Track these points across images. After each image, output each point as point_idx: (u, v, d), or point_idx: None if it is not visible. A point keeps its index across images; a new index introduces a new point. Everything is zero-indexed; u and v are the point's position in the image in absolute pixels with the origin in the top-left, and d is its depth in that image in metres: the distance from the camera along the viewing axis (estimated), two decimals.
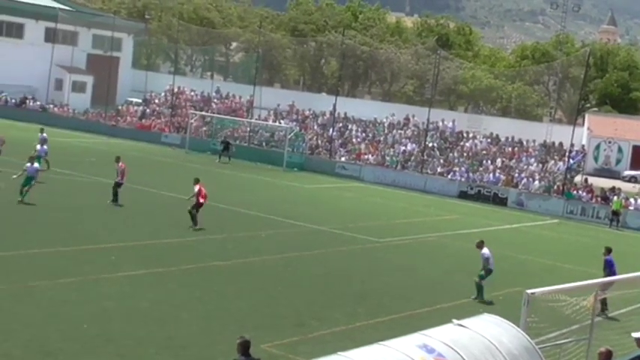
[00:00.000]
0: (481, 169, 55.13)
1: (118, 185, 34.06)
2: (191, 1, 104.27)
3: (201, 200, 30.88)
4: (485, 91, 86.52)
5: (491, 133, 61.02)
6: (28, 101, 77.21)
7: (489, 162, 56.16)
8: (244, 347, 12.41)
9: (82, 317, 18.16)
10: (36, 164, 32.37)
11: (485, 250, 24.84)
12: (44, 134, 43.86)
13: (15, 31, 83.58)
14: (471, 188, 52.73)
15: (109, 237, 27.15)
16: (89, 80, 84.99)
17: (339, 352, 10.89)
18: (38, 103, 77.39)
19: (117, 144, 59.91)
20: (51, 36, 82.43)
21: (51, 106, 77.08)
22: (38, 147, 39.68)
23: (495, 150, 58.48)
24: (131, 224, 30.22)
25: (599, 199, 49.21)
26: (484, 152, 58.12)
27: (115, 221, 30.40)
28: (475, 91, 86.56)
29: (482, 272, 24.61)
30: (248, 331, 15.81)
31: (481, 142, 59.75)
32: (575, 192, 50.25)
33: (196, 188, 30.98)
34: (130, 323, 18.20)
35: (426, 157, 57.47)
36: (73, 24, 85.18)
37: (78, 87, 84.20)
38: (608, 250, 25.74)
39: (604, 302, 23.45)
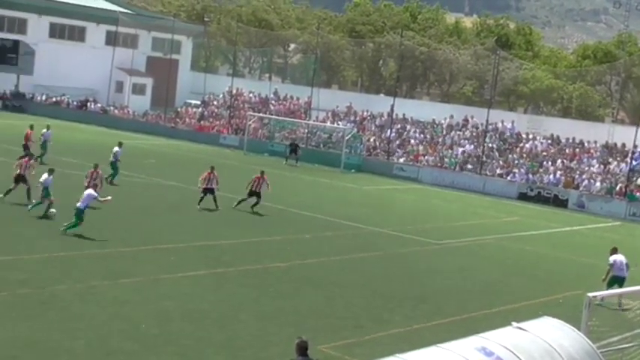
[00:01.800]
0: (541, 170, 54.58)
1: (210, 191, 34.09)
2: (250, 3, 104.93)
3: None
4: (545, 92, 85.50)
5: (552, 134, 60.32)
6: (89, 103, 78.46)
7: (549, 163, 55.57)
8: (302, 348, 12.46)
9: (142, 317, 18.41)
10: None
11: (612, 257, 24.76)
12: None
13: (77, 35, 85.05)
14: (531, 190, 52.23)
15: (168, 237, 27.44)
16: (149, 82, 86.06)
17: (396, 355, 10.89)
18: (99, 105, 78.60)
19: (176, 145, 60.57)
20: (112, 39, 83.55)
21: (111, 108, 78.23)
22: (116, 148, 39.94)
23: (556, 151, 57.82)
24: (190, 225, 30.48)
25: None
26: (544, 153, 57.50)
27: (175, 222, 30.70)
28: (535, 92, 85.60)
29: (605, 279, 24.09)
30: (305, 332, 15.89)
31: (541, 143, 59.11)
32: (638, 194, 49.45)
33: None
34: (190, 323, 18.39)
35: (485, 159, 57.07)
36: (134, 27, 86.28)
37: (138, 89, 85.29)
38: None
39: None
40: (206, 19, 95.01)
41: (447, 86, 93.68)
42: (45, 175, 28.93)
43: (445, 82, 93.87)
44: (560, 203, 50.52)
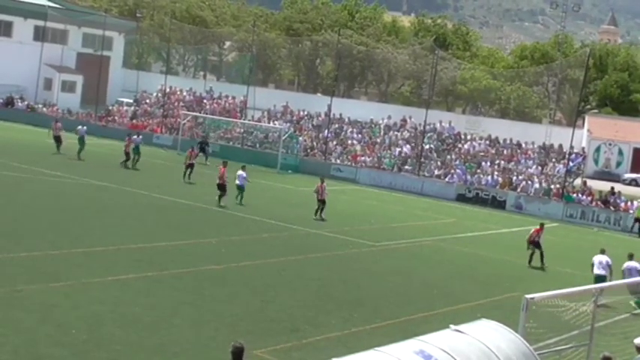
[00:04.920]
0: (479, 171, 55.21)
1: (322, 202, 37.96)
2: None
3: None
4: (483, 92, 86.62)
5: (490, 135, 61.08)
6: (15, 101, 77.10)
7: (488, 164, 56.25)
8: (237, 353, 12.31)
9: (71, 322, 18.14)
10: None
11: (595, 257, 27.12)
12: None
13: (3, 30, 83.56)
14: (469, 191, 52.79)
15: (99, 240, 27.11)
16: (79, 80, 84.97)
17: (333, 359, 10.91)
18: (26, 102, 77.27)
19: (108, 145, 59.84)
20: (40, 34, 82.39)
21: (39, 106, 76.97)
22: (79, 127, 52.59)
23: (494, 152, 58.56)
24: (122, 227, 30.16)
25: (598, 202, 49.29)
26: (482, 154, 58.19)
27: (105, 224, 30.35)
28: (473, 92, 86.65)
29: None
30: (241, 336, 15.83)
31: (479, 143, 59.82)
32: (574, 195, 50.31)
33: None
34: (121, 328, 18.17)
35: (423, 160, 57.53)
36: (63, 22, 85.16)
37: (67, 87, 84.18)
38: (630, 256, 27.11)
39: None
40: (138, 15, 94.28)
41: (385, 86, 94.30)
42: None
43: (383, 82, 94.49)
44: (498, 204, 51.16)
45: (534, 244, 32.63)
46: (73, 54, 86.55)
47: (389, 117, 66.00)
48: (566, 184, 52.12)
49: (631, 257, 26.92)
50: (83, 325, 18.01)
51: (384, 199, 49.54)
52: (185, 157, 47.07)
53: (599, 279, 25.99)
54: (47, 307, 19.05)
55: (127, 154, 49.70)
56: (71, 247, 25.54)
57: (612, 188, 50.86)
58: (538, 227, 33.16)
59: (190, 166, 45.79)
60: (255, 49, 79.18)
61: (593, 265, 26.89)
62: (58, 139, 52.77)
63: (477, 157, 57.91)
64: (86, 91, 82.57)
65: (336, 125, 65.35)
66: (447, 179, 54.73)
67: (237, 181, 39.15)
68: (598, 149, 69.49)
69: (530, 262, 32.24)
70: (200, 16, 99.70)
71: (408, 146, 60.50)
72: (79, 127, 53.15)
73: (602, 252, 27.41)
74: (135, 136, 51.53)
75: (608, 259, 26.91)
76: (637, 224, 45.98)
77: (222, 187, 38.28)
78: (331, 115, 64.01)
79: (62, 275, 22.04)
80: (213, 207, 37.18)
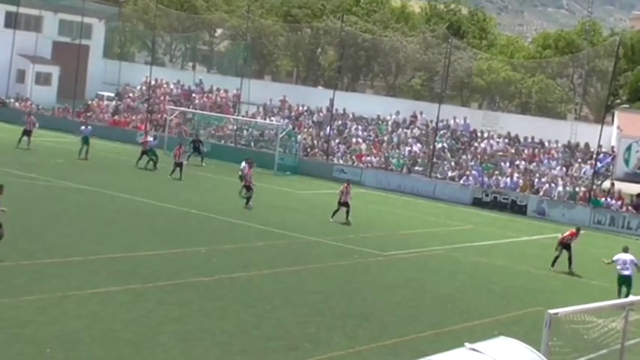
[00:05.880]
0: (497, 173, 55.17)
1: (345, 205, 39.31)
2: None
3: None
4: (502, 85, 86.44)
5: (509, 133, 61.02)
6: None
7: (507, 165, 56.22)
8: None
9: (46, 339, 18.10)
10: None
11: (617, 255, 28.37)
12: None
13: None
14: (486, 195, 52.78)
15: (76, 249, 27.09)
16: (55, 71, 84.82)
17: None
18: None
19: None
20: (12, 21, 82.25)
21: (11, 100, 76.95)
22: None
23: (513, 151, 58.52)
24: (102, 234, 30.15)
25: (629, 207, 49.23)
26: (501, 154, 58.16)
27: (84, 231, 30.35)
28: (491, 85, 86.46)
29: None
30: (234, 355, 15.82)
31: (497, 142, 59.78)
32: (603, 199, 50.23)
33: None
34: (101, 347, 18.15)
35: (435, 160, 57.52)
36: (38, 8, 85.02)
37: (42, 79, 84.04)
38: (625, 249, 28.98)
39: None
40: None
41: (393, 78, 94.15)
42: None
43: (391, 74, 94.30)
44: (519, 209, 51.15)
45: (565, 246, 33.07)
46: (48, 43, 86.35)
47: (397, 113, 65.97)
48: (594, 187, 52.06)
49: (626, 250, 28.54)
50: (59, 343, 17.98)
51: (392, 203, 49.52)
52: (172, 156, 50.28)
53: (624, 279, 26.97)
54: (19, 323, 19.02)
55: (142, 153, 52.15)
56: (45, 257, 25.54)
57: None
58: (574, 230, 33.76)
59: (179, 165, 48.28)
60: (249, 37, 79.22)
61: (616, 264, 27.99)
62: (28, 134, 54.70)
63: (494, 157, 57.90)
64: (63, 83, 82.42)
65: (339, 122, 65.35)
66: (461, 181, 54.73)
67: (240, 173, 43.17)
68: (629, 148, 69.06)
69: (553, 264, 32.68)
70: (189, 1, 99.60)
71: (418, 145, 60.50)
72: (83, 127, 55.54)
73: (626, 250, 28.47)
74: (150, 139, 53.88)
75: (633, 258, 28.11)
76: None
77: (248, 188, 41.08)
78: (334, 111, 64.00)
79: (36, 288, 22.01)
80: (203, 212, 37.16)
